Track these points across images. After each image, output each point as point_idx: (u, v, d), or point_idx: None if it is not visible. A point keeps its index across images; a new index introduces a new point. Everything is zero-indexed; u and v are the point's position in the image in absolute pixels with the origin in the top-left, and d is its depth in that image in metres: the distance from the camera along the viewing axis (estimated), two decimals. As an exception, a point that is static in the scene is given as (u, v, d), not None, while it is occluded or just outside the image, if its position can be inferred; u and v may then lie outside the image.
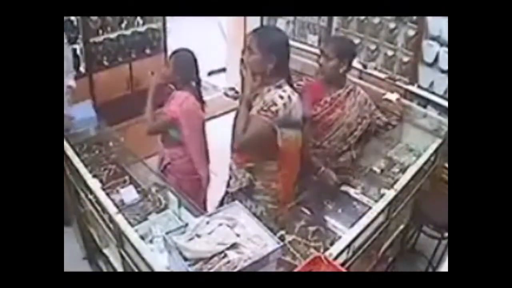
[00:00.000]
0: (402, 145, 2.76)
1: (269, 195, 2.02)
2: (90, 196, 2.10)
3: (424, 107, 3.06)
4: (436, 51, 2.99)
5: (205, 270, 1.41)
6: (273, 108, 1.77)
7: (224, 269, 1.40)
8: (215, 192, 2.55)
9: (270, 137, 1.83)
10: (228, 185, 2.13)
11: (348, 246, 1.79)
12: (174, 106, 2.46)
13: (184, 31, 5.38)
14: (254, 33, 1.89)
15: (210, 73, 5.45)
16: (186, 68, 2.51)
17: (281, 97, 1.79)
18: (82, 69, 3.39)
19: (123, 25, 3.52)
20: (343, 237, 1.85)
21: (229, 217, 1.58)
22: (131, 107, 3.60)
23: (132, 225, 1.86)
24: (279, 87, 1.83)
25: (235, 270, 1.39)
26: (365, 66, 3.50)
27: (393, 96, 3.06)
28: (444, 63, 2.95)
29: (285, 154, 1.90)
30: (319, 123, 2.27)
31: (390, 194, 2.09)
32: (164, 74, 2.55)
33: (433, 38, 2.99)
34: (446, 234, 2.43)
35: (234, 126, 1.90)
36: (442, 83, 3.03)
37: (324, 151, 2.32)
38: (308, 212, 2.16)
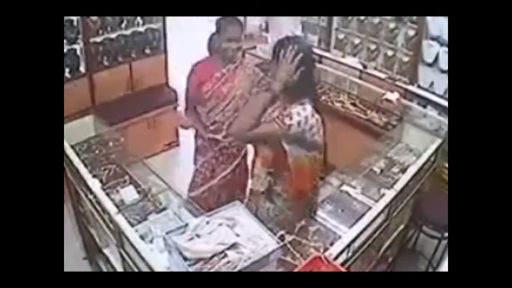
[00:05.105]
0: (402, 145, 2.75)
1: (286, 200, 1.98)
2: (90, 196, 2.10)
3: (424, 107, 3.06)
4: (436, 51, 2.99)
5: (205, 270, 1.41)
6: (287, 121, 1.72)
7: (224, 269, 1.40)
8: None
9: (277, 147, 1.81)
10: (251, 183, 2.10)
11: (348, 246, 1.79)
12: None
13: (184, 30, 5.39)
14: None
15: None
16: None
17: (298, 114, 1.74)
18: (82, 69, 3.39)
19: (123, 25, 3.52)
20: (343, 237, 1.85)
21: (229, 217, 1.58)
22: (131, 107, 3.62)
23: (132, 225, 1.86)
24: (302, 104, 1.79)
25: (235, 270, 1.39)
26: (365, 66, 3.50)
27: (393, 96, 3.07)
28: (444, 63, 2.96)
29: (299, 173, 1.87)
30: (211, 99, 2.45)
31: (390, 194, 2.09)
32: None
33: (433, 38, 2.99)
34: (446, 234, 2.43)
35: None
36: (442, 83, 3.04)
37: (219, 125, 2.52)
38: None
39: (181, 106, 2.76)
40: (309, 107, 1.78)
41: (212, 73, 2.42)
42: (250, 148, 2.45)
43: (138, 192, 2.19)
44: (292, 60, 1.71)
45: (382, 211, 2.02)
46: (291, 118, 1.73)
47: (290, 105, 1.80)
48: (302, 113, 1.75)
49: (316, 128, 1.81)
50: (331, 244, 1.85)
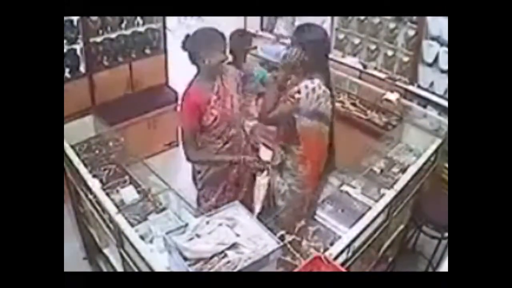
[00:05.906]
0: (402, 145, 2.76)
1: (295, 178, 2.15)
2: (90, 196, 2.10)
3: (424, 107, 3.06)
4: (436, 51, 2.99)
5: (205, 270, 1.41)
6: (296, 96, 1.94)
7: (224, 269, 1.40)
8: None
9: (290, 121, 2.02)
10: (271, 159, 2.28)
11: (348, 246, 1.79)
12: None
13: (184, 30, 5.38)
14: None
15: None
16: None
17: (306, 87, 1.93)
18: (82, 69, 3.39)
19: (123, 25, 3.52)
20: (343, 237, 1.85)
21: (229, 217, 1.58)
22: (131, 107, 3.62)
23: (132, 225, 1.87)
24: (310, 78, 1.96)
25: (235, 270, 1.39)
26: (365, 66, 3.50)
27: (393, 96, 3.07)
28: (444, 63, 2.96)
29: (306, 142, 2.06)
30: (222, 123, 2.17)
31: (390, 194, 2.09)
32: None
33: (433, 38, 2.99)
34: (446, 234, 2.43)
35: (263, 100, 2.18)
36: (442, 83, 3.04)
37: (236, 138, 2.26)
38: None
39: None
40: (317, 80, 1.96)
41: (206, 97, 2.13)
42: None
43: (138, 192, 2.19)
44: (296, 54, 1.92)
45: (382, 211, 2.02)
46: (299, 92, 1.93)
47: (300, 80, 1.97)
48: (309, 85, 1.93)
49: (324, 98, 1.98)
50: (331, 244, 1.85)
